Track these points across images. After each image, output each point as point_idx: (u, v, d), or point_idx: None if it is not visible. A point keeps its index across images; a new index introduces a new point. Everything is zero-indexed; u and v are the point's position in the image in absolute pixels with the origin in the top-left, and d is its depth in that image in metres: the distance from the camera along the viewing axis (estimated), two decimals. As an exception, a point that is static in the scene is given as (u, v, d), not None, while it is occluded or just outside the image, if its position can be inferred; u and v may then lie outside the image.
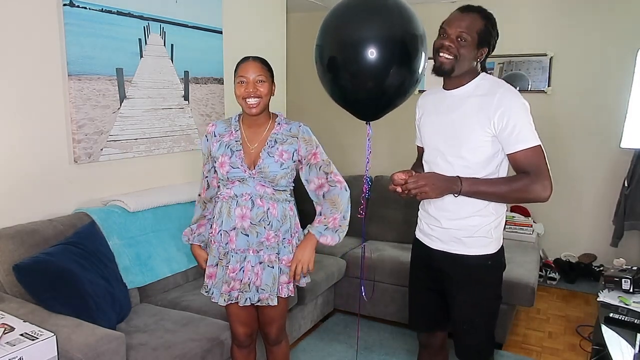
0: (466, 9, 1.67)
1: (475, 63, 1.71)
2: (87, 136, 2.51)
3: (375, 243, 3.62)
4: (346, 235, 3.88)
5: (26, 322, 1.66)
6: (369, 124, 2.17)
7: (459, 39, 1.64)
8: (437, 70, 1.71)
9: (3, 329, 1.59)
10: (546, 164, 1.63)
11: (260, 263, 1.89)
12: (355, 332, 3.10)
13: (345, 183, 1.95)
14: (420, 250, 1.90)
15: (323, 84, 2.17)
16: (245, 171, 1.87)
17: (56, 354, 1.61)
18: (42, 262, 1.97)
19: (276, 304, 1.91)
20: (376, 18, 1.94)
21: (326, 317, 3.37)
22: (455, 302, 1.81)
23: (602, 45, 3.95)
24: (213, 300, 1.96)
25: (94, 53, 2.50)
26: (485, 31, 1.65)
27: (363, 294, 2.39)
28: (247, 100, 1.83)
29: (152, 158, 2.93)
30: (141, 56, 2.77)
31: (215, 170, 1.96)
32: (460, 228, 1.74)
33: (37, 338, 1.57)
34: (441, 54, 1.67)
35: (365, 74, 1.95)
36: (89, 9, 2.46)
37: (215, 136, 1.95)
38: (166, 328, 2.19)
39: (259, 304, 1.91)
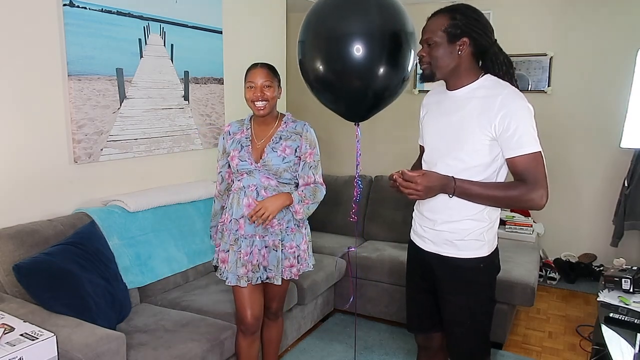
0: (434, 14, 1.71)
1: (468, 60, 1.67)
2: (87, 136, 2.51)
3: (375, 243, 3.62)
4: (347, 235, 3.91)
5: (26, 322, 1.67)
6: (358, 125, 2.14)
7: (428, 44, 1.69)
8: (422, 78, 1.78)
9: (3, 329, 1.59)
10: (544, 171, 1.60)
11: (266, 247, 2.11)
12: (356, 332, 3.11)
13: (325, 186, 2.21)
14: (414, 252, 1.89)
15: (306, 82, 2.13)
16: (252, 164, 2.10)
17: (56, 354, 1.61)
18: (42, 262, 1.97)
19: (280, 284, 2.16)
20: (359, 13, 1.88)
21: (326, 317, 3.37)
22: (447, 304, 1.80)
23: (602, 45, 3.94)
24: (229, 284, 2.13)
25: (94, 53, 2.50)
26: (453, 24, 1.64)
27: (341, 302, 2.40)
28: (256, 103, 2.08)
29: (152, 158, 2.93)
30: (141, 56, 2.77)
31: (229, 165, 2.20)
32: (452, 231, 1.72)
33: (37, 338, 1.57)
34: (421, 64, 1.75)
35: (348, 72, 1.90)
36: (89, 9, 2.46)
37: (229, 135, 2.21)
38: (166, 328, 2.19)
39: (267, 281, 2.14)
